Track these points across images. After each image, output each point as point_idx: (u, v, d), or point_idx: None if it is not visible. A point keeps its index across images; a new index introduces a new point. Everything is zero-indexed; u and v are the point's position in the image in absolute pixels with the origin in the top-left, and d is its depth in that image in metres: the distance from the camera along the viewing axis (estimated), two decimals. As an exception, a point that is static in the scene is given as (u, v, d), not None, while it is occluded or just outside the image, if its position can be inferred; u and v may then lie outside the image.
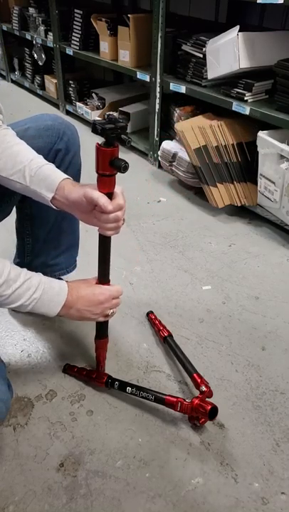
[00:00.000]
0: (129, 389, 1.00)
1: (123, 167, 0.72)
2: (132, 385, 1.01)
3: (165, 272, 1.48)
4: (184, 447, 0.94)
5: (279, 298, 1.38)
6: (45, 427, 0.97)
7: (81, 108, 2.69)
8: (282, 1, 1.41)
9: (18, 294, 0.78)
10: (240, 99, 1.68)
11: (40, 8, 2.88)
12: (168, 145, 2.00)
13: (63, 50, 2.69)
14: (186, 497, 0.85)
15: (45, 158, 0.85)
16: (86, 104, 2.69)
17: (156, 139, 2.18)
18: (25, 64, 3.32)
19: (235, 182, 1.76)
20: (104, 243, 0.86)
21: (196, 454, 0.93)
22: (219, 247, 1.62)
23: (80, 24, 2.47)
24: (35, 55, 3.02)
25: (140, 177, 2.12)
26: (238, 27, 1.57)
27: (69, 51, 2.63)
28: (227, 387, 1.08)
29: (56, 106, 3.08)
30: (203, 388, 0.97)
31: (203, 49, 1.78)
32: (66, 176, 0.82)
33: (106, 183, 0.77)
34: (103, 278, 0.91)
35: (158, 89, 2.05)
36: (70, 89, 2.85)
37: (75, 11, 2.47)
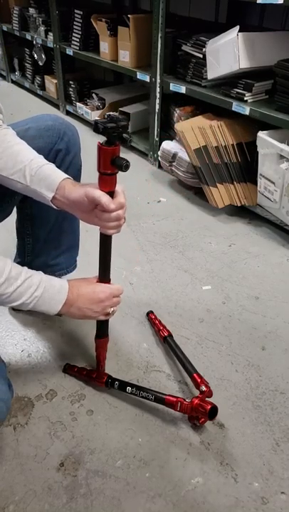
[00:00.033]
0: (129, 389, 1.00)
1: (124, 166, 0.72)
2: (132, 385, 1.01)
3: (165, 272, 1.48)
4: (183, 447, 0.94)
5: (279, 298, 1.38)
6: (45, 426, 0.97)
7: (81, 108, 2.69)
8: (282, 1, 1.41)
9: (20, 293, 0.78)
10: (240, 99, 1.68)
11: (41, 9, 2.88)
12: (168, 145, 2.00)
13: (63, 51, 2.69)
14: (186, 497, 0.86)
15: (46, 158, 0.85)
16: (86, 105, 2.69)
17: (156, 139, 2.19)
18: (26, 64, 3.32)
19: (235, 182, 1.76)
20: (106, 242, 0.87)
21: (196, 453, 0.93)
22: (219, 247, 1.63)
23: (80, 24, 2.48)
24: (36, 56, 3.02)
25: (140, 177, 2.12)
26: (238, 27, 1.57)
27: (69, 51, 2.63)
28: (227, 387, 1.08)
29: (56, 106, 3.09)
30: (203, 388, 0.97)
31: (203, 49, 1.78)
32: (66, 176, 0.82)
33: (107, 182, 0.77)
34: (104, 277, 0.91)
35: (158, 89, 2.05)
36: (70, 89, 2.85)
37: (75, 11, 2.47)
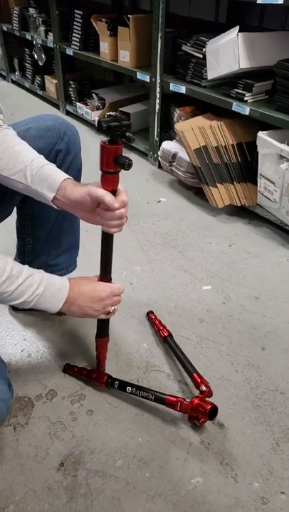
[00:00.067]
0: (129, 389, 1.00)
1: (127, 164, 0.72)
2: (132, 385, 1.01)
3: (165, 272, 1.48)
4: (183, 447, 0.94)
5: (279, 298, 1.38)
6: (45, 426, 0.97)
7: (81, 108, 2.69)
8: (282, 2, 1.41)
9: (21, 291, 0.78)
10: (240, 99, 1.68)
11: (41, 9, 2.88)
12: (168, 145, 2.00)
13: (63, 51, 2.69)
14: (186, 497, 0.86)
15: (46, 158, 0.86)
16: (86, 105, 2.69)
17: (156, 139, 2.19)
18: (26, 64, 3.32)
19: (235, 182, 1.76)
20: (107, 241, 0.87)
21: (196, 453, 0.93)
22: (219, 247, 1.63)
23: (80, 24, 2.48)
24: (36, 56, 3.02)
25: (140, 177, 2.12)
26: (238, 27, 1.57)
27: (69, 51, 2.63)
28: (227, 386, 1.08)
29: (56, 106, 3.09)
30: (203, 388, 0.97)
31: (203, 49, 1.78)
32: (67, 176, 0.82)
33: (110, 181, 0.77)
34: (105, 276, 0.91)
35: (158, 89, 2.05)
36: (70, 89, 2.85)
37: (75, 11, 2.47)
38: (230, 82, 1.72)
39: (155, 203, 1.92)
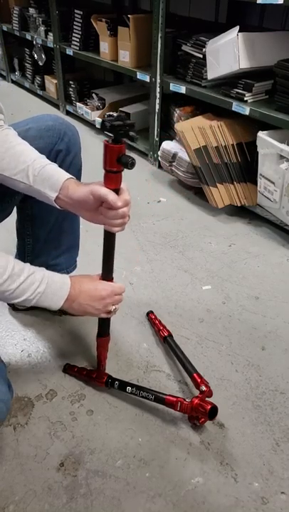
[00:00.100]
0: (129, 388, 1.00)
1: (130, 163, 0.73)
2: (132, 385, 1.01)
3: (165, 272, 1.48)
4: (183, 447, 0.94)
5: (279, 298, 1.38)
6: (45, 426, 0.97)
7: (81, 108, 2.69)
8: (282, 2, 1.41)
9: (23, 289, 0.79)
10: (240, 99, 1.68)
11: (41, 9, 2.88)
12: (168, 145, 2.00)
13: (63, 51, 2.69)
14: (186, 497, 0.86)
15: (46, 158, 0.86)
16: (86, 105, 2.69)
17: (156, 139, 2.19)
18: (26, 64, 3.32)
19: (235, 182, 1.76)
20: (110, 240, 0.87)
21: (196, 453, 0.93)
22: (219, 247, 1.63)
23: (80, 24, 2.48)
24: (36, 56, 3.02)
25: (140, 177, 2.12)
26: (238, 27, 1.57)
27: (69, 51, 2.63)
28: (227, 386, 1.08)
29: (56, 106, 3.08)
30: (203, 388, 0.97)
31: (203, 49, 1.78)
32: (70, 176, 0.83)
33: (113, 180, 0.78)
34: (107, 275, 0.92)
35: (158, 89, 2.05)
36: (70, 89, 2.85)
37: (75, 11, 2.47)
38: (230, 82, 1.72)
39: (155, 203, 1.92)
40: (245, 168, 1.76)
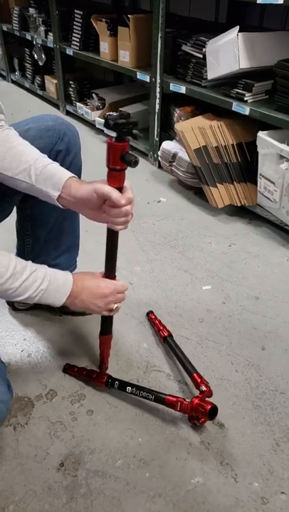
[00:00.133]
0: (129, 388, 1.00)
1: (134, 161, 0.73)
2: (132, 385, 1.01)
3: (165, 272, 1.48)
4: (183, 447, 0.94)
5: (279, 298, 1.38)
6: (45, 426, 0.97)
7: (81, 108, 2.69)
8: (282, 2, 1.41)
9: (25, 287, 0.79)
10: (240, 99, 1.68)
11: (41, 9, 2.88)
12: (168, 145, 2.00)
13: (63, 51, 2.69)
14: (186, 497, 0.86)
15: None
16: (86, 105, 2.69)
17: (156, 139, 2.19)
18: (26, 64, 3.32)
19: (235, 182, 1.76)
20: (112, 238, 0.87)
21: (196, 453, 0.93)
22: (219, 247, 1.63)
23: (80, 24, 2.48)
24: (36, 56, 3.02)
25: (140, 177, 2.12)
26: (237, 27, 1.57)
27: (69, 51, 2.63)
28: (227, 386, 1.08)
29: (56, 106, 3.08)
30: (203, 388, 0.97)
31: (203, 49, 1.78)
32: (72, 175, 0.83)
33: (116, 178, 0.78)
34: (110, 273, 0.92)
35: (158, 89, 2.05)
36: (70, 89, 2.85)
37: (75, 11, 2.47)
38: (230, 82, 1.72)
39: (155, 203, 1.92)
40: (245, 168, 1.76)
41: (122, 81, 3.06)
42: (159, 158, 2.07)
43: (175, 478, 0.89)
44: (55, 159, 0.97)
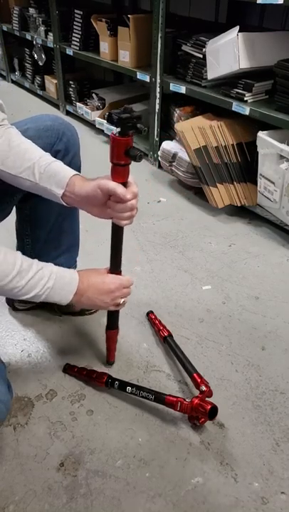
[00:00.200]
0: (129, 388, 1.00)
1: (138, 156, 0.73)
2: (132, 385, 1.01)
3: (165, 272, 1.48)
4: (183, 447, 0.94)
5: (279, 298, 1.38)
6: (45, 426, 0.97)
7: (81, 108, 2.69)
8: (282, 2, 1.41)
9: (32, 285, 0.79)
10: (240, 99, 1.68)
11: (41, 9, 2.88)
12: (168, 145, 2.00)
13: (63, 51, 2.69)
14: (186, 497, 0.86)
15: None
16: (86, 105, 2.69)
17: (156, 139, 2.19)
18: (26, 64, 3.32)
19: (235, 182, 1.76)
20: (117, 234, 0.88)
21: (196, 453, 0.93)
22: (219, 247, 1.63)
23: (80, 24, 2.48)
24: (36, 56, 3.02)
25: (140, 177, 2.12)
26: (237, 27, 1.57)
27: (69, 51, 2.63)
28: (227, 386, 1.08)
29: (56, 106, 3.08)
30: (203, 388, 0.97)
31: (203, 49, 1.78)
32: (75, 172, 0.83)
33: (120, 173, 0.78)
34: (115, 268, 0.92)
35: (158, 89, 2.05)
36: (70, 89, 2.85)
37: (75, 11, 2.47)
38: (230, 82, 1.72)
39: (155, 203, 1.92)
40: (245, 168, 1.76)
41: (122, 81, 3.06)
42: (159, 158, 2.07)
43: (175, 478, 0.89)
44: (54, 159, 0.97)
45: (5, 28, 3.35)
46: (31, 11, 2.91)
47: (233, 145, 1.73)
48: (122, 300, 0.92)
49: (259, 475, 0.89)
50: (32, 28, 2.96)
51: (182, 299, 1.36)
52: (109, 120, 0.71)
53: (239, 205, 1.76)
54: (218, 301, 1.36)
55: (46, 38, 2.83)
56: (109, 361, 1.11)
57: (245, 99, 1.66)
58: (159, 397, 0.97)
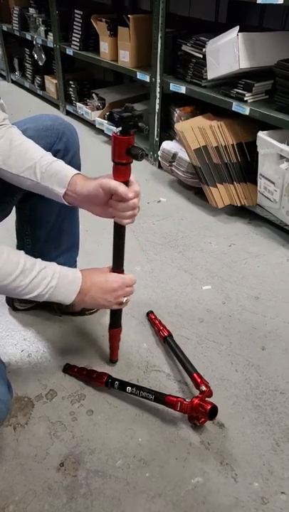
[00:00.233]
0: (129, 388, 1.00)
1: (140, 155, 0.73)
2: (132, 385, 1.01)
3: (165, 272, 1.48)
4: (183, 447, 0.94)
5: (279, 298, 1.38)
6: (45, 426, 0.97)
7: (81, 108, 2.69)
8: (282, 2, 1.41)
9: (35, 284, 0.79)
10: (240, 99, 1.68)
11: (41, 9, 2.88)
12: (168, 145, 2.00)
13: (63, 51, 2.69)
14: (186, 497, 0.86)
15: None
16: (86, 105, 2.69)
17: (156, 139, 2.19)
18: (26, 64, 3.32)
19: (235, 182, 1.76)
20: (120, 233, 0.88)
21: (196, 453, 0.93)
22: (219, 247, 1.63)
23: (80, 24, 2.48)
24: (36, 56, 3.02)
25: (140, 177, 2.11)
26: (237, 27, 1.57)
27: (69, 51, 2.63)
28: (227, 386, 1.08)
29: (56, 106, 3.08)
30: (203, 388, 0.97)
31: (203, 49, 1.78)
32: (77, 171, 0.83)
33: (122, 172, 0.78)
34: (117, 267, 0.92)
35: (158, 89, 2.05)
36: (70, 89, 2.85)
37: (75, 11, 2.47)
38: (230, 82, 1.72)
39: (155, 203, 1.92)
40: (245, 168, 1.76)
41: (122, 81, 3.06)
42: (159, 158, 2.07)
43: (175, 478, 0.89)
44: (54, 159, 0.97)
45: (5, 28, 3.35)
46: (31, 11, 2.91)
47: (233, 145, 1.73)
48: (125, 299, 0.93)
49: (259, 475, 0.89)
50: (32, 28, 2.96)
51: (182, 299, 1.36)
52: (111, 119, 0.71)
53: (239, 205, 1.76)
54: (218, 301, 1.36)
55: (46, 38, 2.84)
56: (112, 359, 1.11)
57: (245, 99, 1.66)
58: (159, 397, 0.97)
